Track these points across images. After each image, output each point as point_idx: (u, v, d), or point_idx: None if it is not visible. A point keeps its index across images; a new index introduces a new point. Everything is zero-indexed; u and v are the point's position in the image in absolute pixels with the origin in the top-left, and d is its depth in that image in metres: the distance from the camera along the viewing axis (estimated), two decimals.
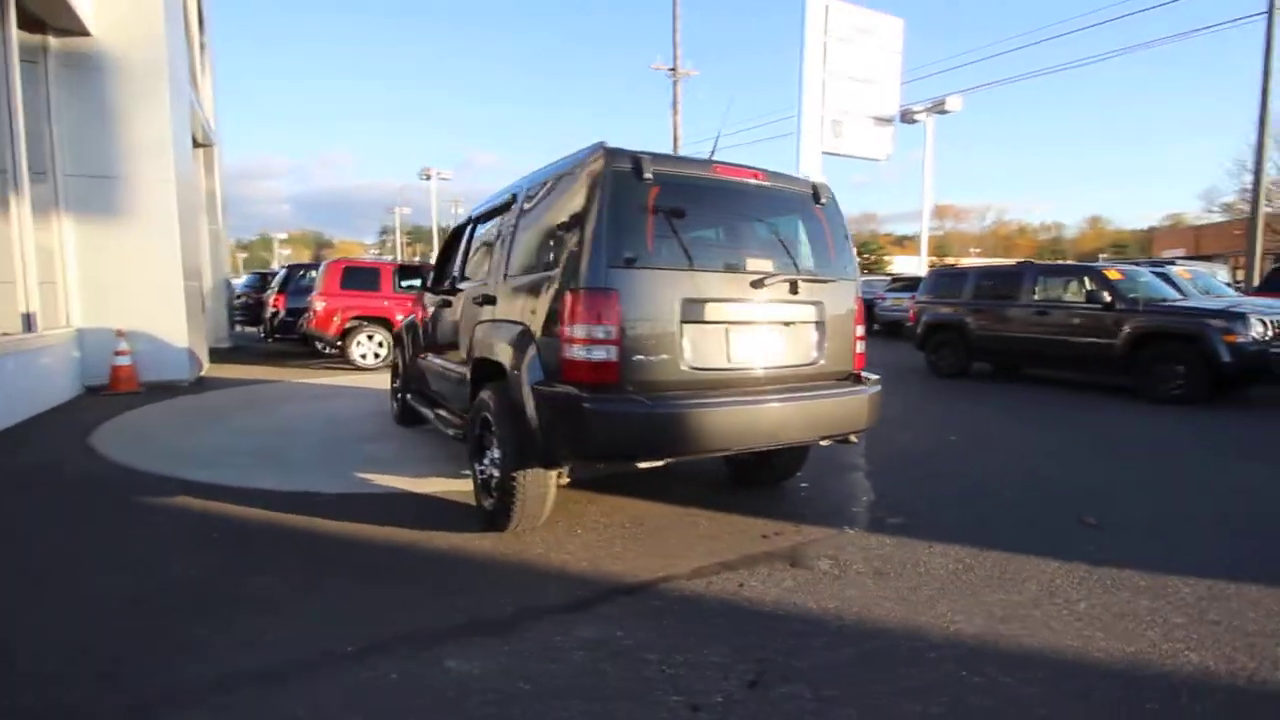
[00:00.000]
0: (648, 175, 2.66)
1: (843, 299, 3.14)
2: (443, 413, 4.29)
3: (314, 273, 11.48)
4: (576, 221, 2.67)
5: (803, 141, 17.82)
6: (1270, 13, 12.64)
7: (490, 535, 3.15)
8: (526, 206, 3.23)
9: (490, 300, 3.38)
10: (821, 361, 3.07)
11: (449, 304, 4.19)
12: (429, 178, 32.08)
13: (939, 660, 2.15)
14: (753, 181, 2.99)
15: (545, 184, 3.14)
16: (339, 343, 9.52)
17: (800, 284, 2.93)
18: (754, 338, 2.88)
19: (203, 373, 8.42)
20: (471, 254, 4.04)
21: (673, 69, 28.02)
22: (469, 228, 4.13)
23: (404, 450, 4.81)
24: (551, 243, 2.91)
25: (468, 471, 4.21)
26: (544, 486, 2.99)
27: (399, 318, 9.46)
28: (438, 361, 4.32)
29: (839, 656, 2.18)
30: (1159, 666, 2.12)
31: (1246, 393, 7.41)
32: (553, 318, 2.73)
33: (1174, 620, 2.42)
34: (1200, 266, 12.91)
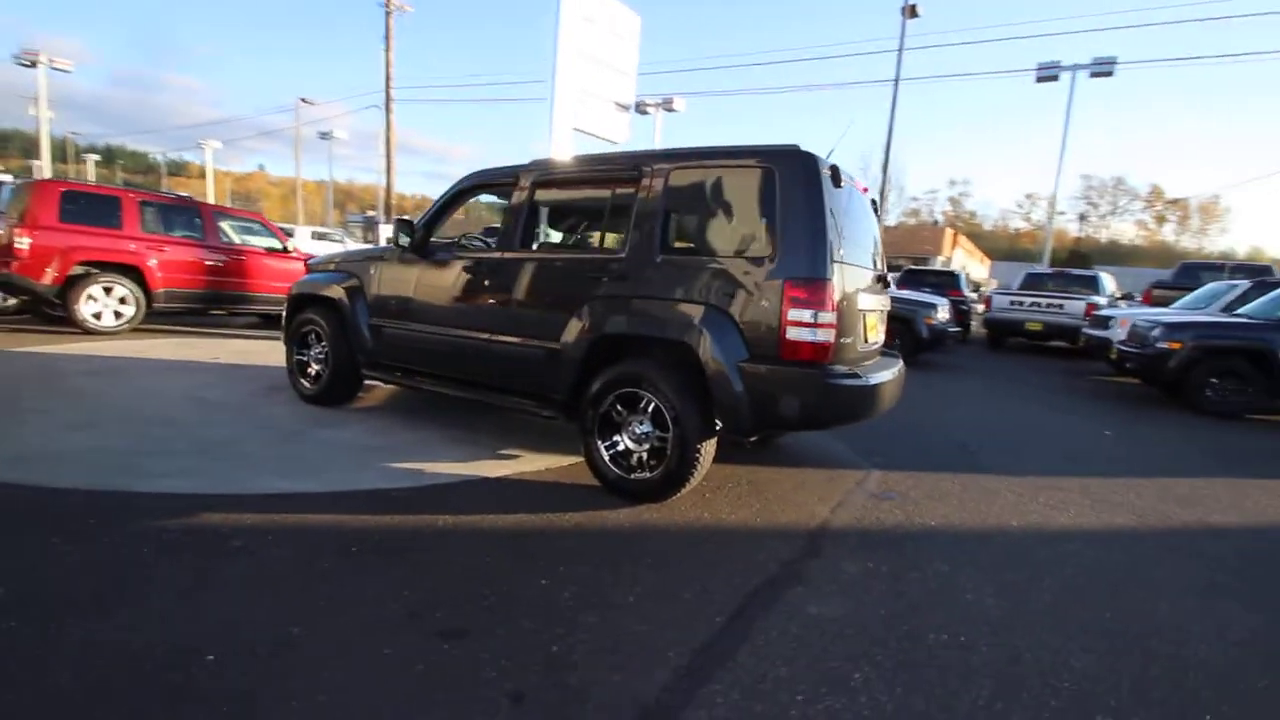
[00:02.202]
0: (843, 183, 3.12)
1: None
2: (466, 389, 3.93)
3: None
4: (791, 215, 2.98)
5: (555, 114, 18.22)
6: (897, 82, 17.64)
7: (646, 507, 3.26)
8: (674, 187, 3.29)
9: (620, 276, 3.36)
10: (883, 342, 3.94)
11: (494, 271, 3.82)
12: (34, 64, 22.04)
13: (1087, 543, 3.26)
14: (862, 193, 3.66)
15: (705, 168, 3.26)
16: (57, 297, 6.87)
17: (890, 279, 3.73)
18: (873, 322, 3.58)
19: None
20: (540, 222, 3.73)
21: None
22: (526, 193, 3.78)
23: (379, 433, 4.19)
24: (739, 229, 3.13)
25: (509, 451, 4.03)
26: (710, 455, 3.25)
27: (151, 262, 7.35)
28: (472, 336, 3.89)
29: (1043, 554, 3.09)
30: (1135, 528, 3.54)
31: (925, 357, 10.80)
32: (763, 301, 3.01)
33: (1099, 502, 3.94)
34: None
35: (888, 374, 3.42)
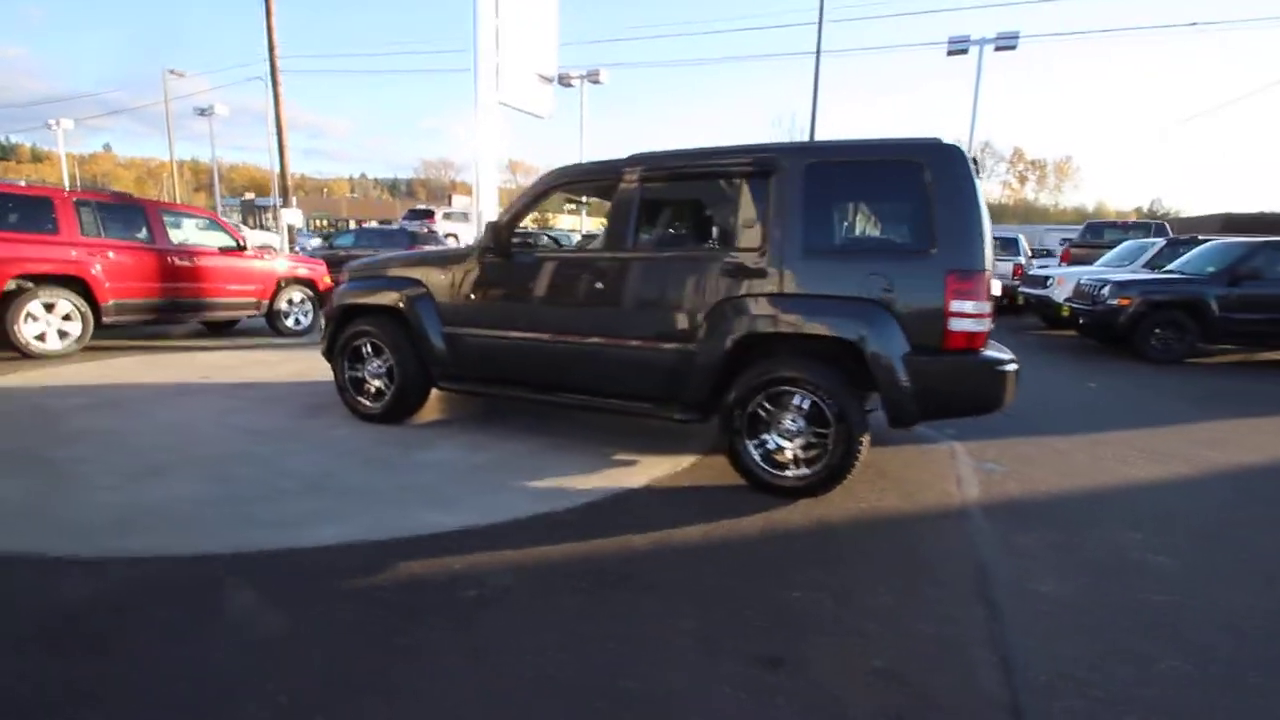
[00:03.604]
0: (980, 174, 3.22)
1: None
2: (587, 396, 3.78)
3: None
4: (947, 208, 3.04)
5: (480, 89, 17.34)
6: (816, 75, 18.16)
7: (810, 503, 3.29)
8: (814, 182, 3.25)
9: (761, 274, 3.31)
10: None
11: (606, 272, 3.65)
12: None
13: (1178, 494, 3.64)
14: None
15: (846, 163, 3.26)
16: None
17: None
18: None
19: None
20: (653, 220, 3.57)
21: None
22: (634, 189, 3.61)
23: (476, 449, 3.94)
24: (889, 223, 3.17)
25: (621, 456, 3.91)
26: (867, 448, 3.32)
27: (96, 271, 6.44)
28: (582, 342, 3.72)
29: (1153, 509, 3.41)
30: (1198, 475, 3.95)
31: None
32: (922, 293, 3.08)
33: (1149, 453, 4.38)
34: None
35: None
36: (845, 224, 3.40)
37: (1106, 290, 8.38)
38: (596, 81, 20.76)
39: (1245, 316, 7.87)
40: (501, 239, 3.91)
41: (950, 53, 17.15)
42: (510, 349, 3.96)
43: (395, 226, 20.49)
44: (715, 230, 3.87)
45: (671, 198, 3.86)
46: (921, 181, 3.11)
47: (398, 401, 4.31)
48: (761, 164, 3.40)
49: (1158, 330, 8.06)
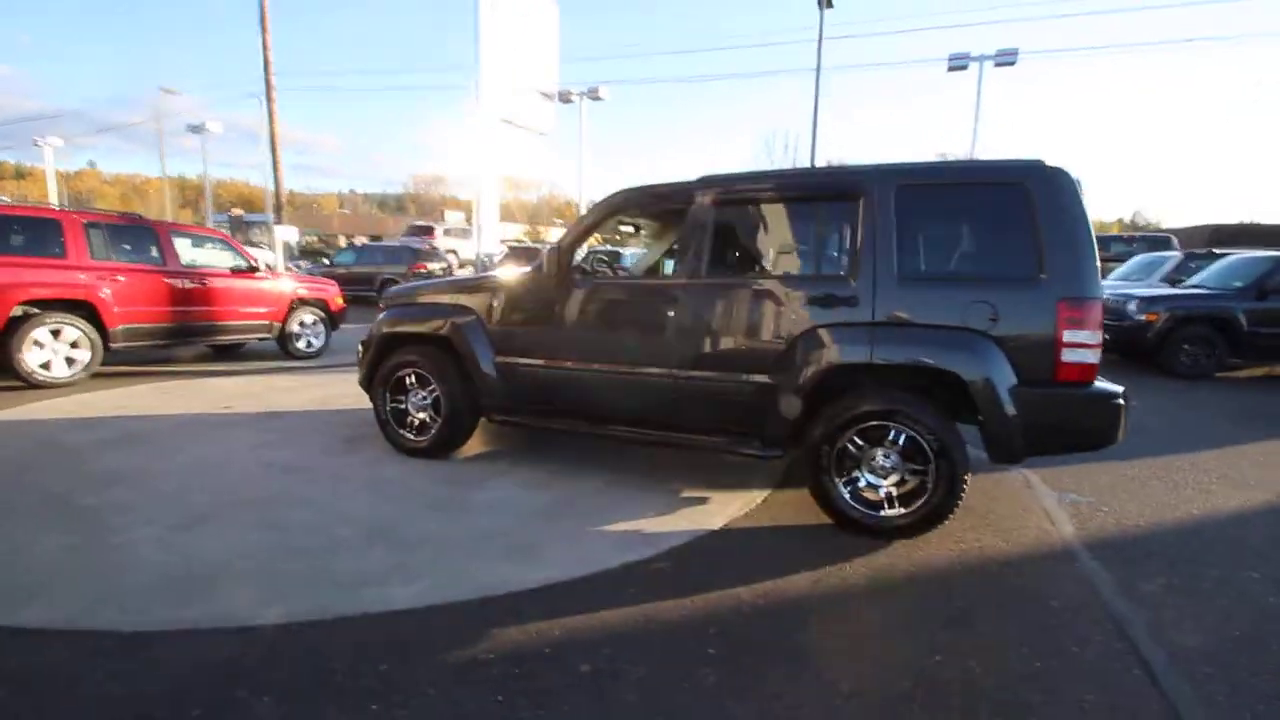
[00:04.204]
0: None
1: None
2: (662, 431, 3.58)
3: None
4: (1057, 232, 2.88)
5: (481, 105, 17.23)
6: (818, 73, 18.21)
7: (909, 545, 3.09)
8: (907, 206, 3.08)
9: (851, 302, 3.12)
10: None
11: (678, 300, 3.45)
12: None
13: (1265, 523, 3.47)
14: None
15: (941, 185, 3.10)
16: None
17: None
18: None
19: None
20: (730, 244, 3.38)
21: None
22: (708, 212, 3.42)
23: (534, 488, 3.71)
24: (993, 249, 3.00)
25: (690, 493, 3.69)
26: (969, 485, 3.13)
27: (105, 295, 6.14)
28: (649, 373, 3.51)
29: (1253, 540, 3.29)
30: (1272, 500, 3.82)
31: None
32: (1031, 323, 2.91)
33: (1224, 478, 4.22)
34: None
35: None
36: (943, 249, 3.23)
37: (1133, 306, 8.29)
38: (597, 98, 20.63)
39: (1274, 331, 7.82)
40: (562, 263, 3.70)
41: (951, 69, 17.25)
42: (571, 380, 3.74)
43: (398, 243, 20.22)
44: (798, 255, 3.68)
45: (750, 221, 3.66)
46: (1026, 204, 2.95)
47: (445, 435, 4.06)
48: (848, 186, 3.23)
49: (1186, 346, 7.98)
